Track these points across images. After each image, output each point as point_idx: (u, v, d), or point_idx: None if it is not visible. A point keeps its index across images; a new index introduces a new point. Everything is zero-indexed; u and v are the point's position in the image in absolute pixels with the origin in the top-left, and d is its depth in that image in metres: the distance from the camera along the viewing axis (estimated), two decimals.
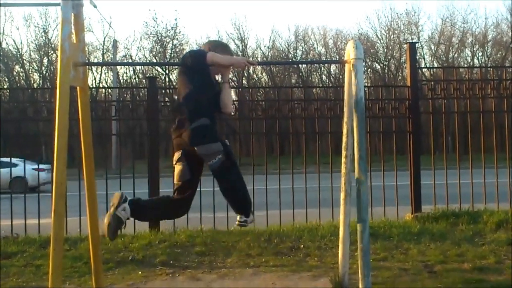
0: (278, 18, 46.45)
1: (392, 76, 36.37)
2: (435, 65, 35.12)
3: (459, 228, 6.49)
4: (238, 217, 4.00)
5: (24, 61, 35.77)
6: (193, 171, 3.85)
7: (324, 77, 37.92)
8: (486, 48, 36.52)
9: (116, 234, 3.86)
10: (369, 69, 36.49)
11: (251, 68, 33.19)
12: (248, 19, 54.29)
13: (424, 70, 17.88)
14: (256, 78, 35.70)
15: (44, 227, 6.14)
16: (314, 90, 9.61)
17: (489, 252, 5.42)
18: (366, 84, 29.83)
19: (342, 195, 4.13)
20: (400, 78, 35.03)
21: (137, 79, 36.00)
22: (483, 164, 7.25)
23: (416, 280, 4.59)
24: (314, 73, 38.03)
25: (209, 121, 3.79)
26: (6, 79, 34.60)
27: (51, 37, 34.90)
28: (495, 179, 7.22)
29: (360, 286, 3.58)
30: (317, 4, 55.35)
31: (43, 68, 35.66)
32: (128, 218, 3.81)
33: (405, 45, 11.38)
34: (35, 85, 33.37)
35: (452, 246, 5.67)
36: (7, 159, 8.40)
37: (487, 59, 36.44)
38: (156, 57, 35.09)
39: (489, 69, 14.80)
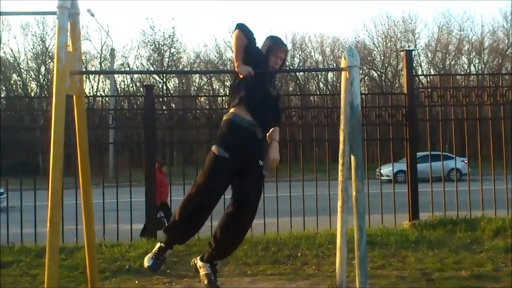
0: (276, 26, 46.79)
1: (389, 83, 36.50)
2: (432, 72, 35.24)
3: (457, 235, 6.48)
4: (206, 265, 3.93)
5: (22, 69, 35.79)
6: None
7: (321, 84, 38.04)
8: (482, 55, 36.73)
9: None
10: (366, 77, 36.62)
11: None
12: None
13: (421, 77, 18.02)
14: None
15: (40, 236, 6.11)
16: (311, 97, 9.64)
17: (486, 259, 5.40)
18: (363, 91, 29.93)
19: (339, 203, 4.12)
20: (397, 85, 35.17)
21: (134, 87, 36.04)
22: (480, 171, 7.25)
23: None
24: (311, 81, 38.14)
25: None
26: (4, 88, 34.57)
27: (49, 46, 34.97)
28: (493, 186, 7.23)
29: None
30: (314, 12, 55.60)
31: (41, 76, 35.70)
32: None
33: (401, 53, 11.42)
34: (32, 94, 33.36)
35: (449, 254, 5.65)
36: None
37: (483, 66, 36.63)
38: (154, 66, 35.19)
39: (485, 76, 14.89)
